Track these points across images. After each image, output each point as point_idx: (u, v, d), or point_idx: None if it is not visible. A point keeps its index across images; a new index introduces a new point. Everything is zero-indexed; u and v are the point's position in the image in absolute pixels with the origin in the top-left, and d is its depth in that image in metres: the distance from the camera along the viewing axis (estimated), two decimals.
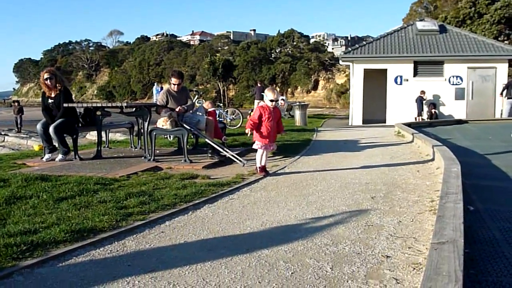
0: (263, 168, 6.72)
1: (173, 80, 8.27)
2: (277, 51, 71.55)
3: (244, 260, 3.24)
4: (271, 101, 6.65)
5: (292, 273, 3.01)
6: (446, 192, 4.32)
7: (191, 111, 8.45)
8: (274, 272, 3.04)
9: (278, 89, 59.80)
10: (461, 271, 2.48)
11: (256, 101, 26.08)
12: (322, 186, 5.80)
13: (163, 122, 7.87)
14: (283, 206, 4.84)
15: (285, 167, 7.43)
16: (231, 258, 3.29)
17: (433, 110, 21.55)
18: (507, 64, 21.73)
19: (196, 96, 12.53)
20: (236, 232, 3.97)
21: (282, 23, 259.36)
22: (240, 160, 7.65)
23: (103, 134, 9.09)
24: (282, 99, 28.21)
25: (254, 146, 6.77)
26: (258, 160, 6.74)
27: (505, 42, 32.36)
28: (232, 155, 7.80)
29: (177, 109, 8.03)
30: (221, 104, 23.30)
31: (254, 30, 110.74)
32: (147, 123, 7.99)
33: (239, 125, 16.81)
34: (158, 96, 9.83)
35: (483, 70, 21.84)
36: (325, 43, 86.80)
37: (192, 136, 8.93)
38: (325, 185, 5.89)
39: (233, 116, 18.22)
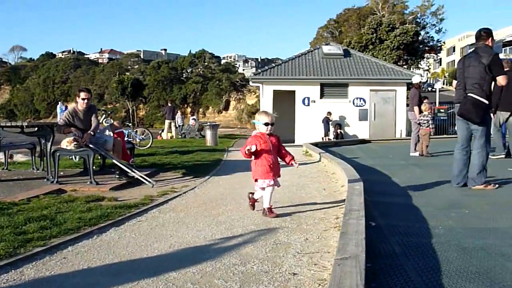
0: (271, 209, 5.24)
1: (82, 95, 7.89)
2: (188, 71, 71.68)
3: (151, 284, 3.16)
4: (266, 124, 5.28)
5: None
6: (349, 209, 4.48)
7: (98, 131, 8.17)
8: None
9: (189, 110, 59.69)
10: (363, 285, 2.57)
11: (166, 121, 25.84)
12: (232, 206, 5.82)
13: (67, 143, 7.57)
14: (192, 227, 4.79)
15: (195, 187, 7.39)
16: (138, 282, 3.19)
17: (338, 130, 22.44)
18: (405, 87, 23.16)
19: (104, 116, 12.19)
20: (143, 255, 3.87)
21: (193, 43, 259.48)
22: (149, 181, 7.52)
23: (1, 155, 8.58)
24: (193, 119, 27.99)
25: (261, 185, 5.26)
26: (267, 200, 5.24)
27: (404, 66, 34.55)
28: (141, 176, 7.65)
29: (84, 137, 7.63)
30: (130, 124, 22.82)
31: (165, 50, 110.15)
32: (50, 143, 7.65)
33: (148, 145, 16.53)
34: (62, 115, 9.43)
35: (384, 92, 23.14)
36: (236, 64, 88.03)
37: (99, 157, 8.65)
38: (235, 204, 5.91)
39: (143, 136, 17.90)
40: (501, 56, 55.92)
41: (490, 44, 6.32)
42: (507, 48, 64.05)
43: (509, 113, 10.16)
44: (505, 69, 10.74)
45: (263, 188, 5.26)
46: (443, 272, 3.24)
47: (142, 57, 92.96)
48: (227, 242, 4.21)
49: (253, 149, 5.17)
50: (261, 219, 5.06)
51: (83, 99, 7.89)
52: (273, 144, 5.36)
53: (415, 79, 12.84)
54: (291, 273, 3.33)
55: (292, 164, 5.51)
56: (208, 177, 8.51)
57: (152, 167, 9.58)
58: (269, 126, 5.29)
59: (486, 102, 6.19)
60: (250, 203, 5.56)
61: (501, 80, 6.22)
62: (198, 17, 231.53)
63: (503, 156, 10.36)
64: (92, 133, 7.76)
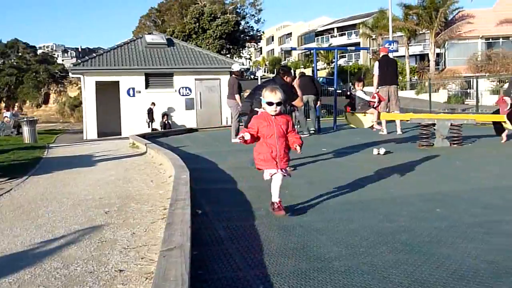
0: (279, 205, 4.44)
1: None
2: (0, 62, 65.36)
3: None
4: (269, 104, 4.35)
5: None
6: (176, 199, 4.51)
7: None
8: None
9: (3, 105, 54.55)
10: (188, 274, 2.62)
11: None
12: (53, 207, 5.48)
13: None
14: (8, 233, 4.42)
15: (11, 189, 6.81)
16: None
17: (166, 121, 22.40)
18: (229, 75, 23.86)
19: None
20: None
21: (3, 32, 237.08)
22: None
23: None
24: (6, 116, 25.59)
25: (265, 177, 4.46)
26: (276, 193, 4.44)
27: (227, 55, 35.62)
28: None
29: None
30: None
31: None
32: None
33: None
34: None
35: (209, 81, 23.65)
36: (55, 54, 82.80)
37: None
38: (57, 205, 5.58)
39: None
40: (314, 44, 60.50)
41: (286, 80, 7.28)
42: (319, 37, 69.50)
43: (311, 96, 12.30)
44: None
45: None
46: (265, 251, 3.44)
47: None
48: (48, 245, 3.97)
49: (247, 137, 4.28)
50: (85, 217, 4.86)
51: None
52: (277, 126, 4.38)
53: (235, 67, 13.35)
54: (117, 270, 3.26)
55: (295, 148, 4.47)
56: (27, 177, 7.90)
57: None
58: (274, 106, 4.34)
59: None
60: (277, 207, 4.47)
61: (297, 103, 7.76)
62: (7, 3, 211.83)
63: (307, 135, 11.90)
64: None
